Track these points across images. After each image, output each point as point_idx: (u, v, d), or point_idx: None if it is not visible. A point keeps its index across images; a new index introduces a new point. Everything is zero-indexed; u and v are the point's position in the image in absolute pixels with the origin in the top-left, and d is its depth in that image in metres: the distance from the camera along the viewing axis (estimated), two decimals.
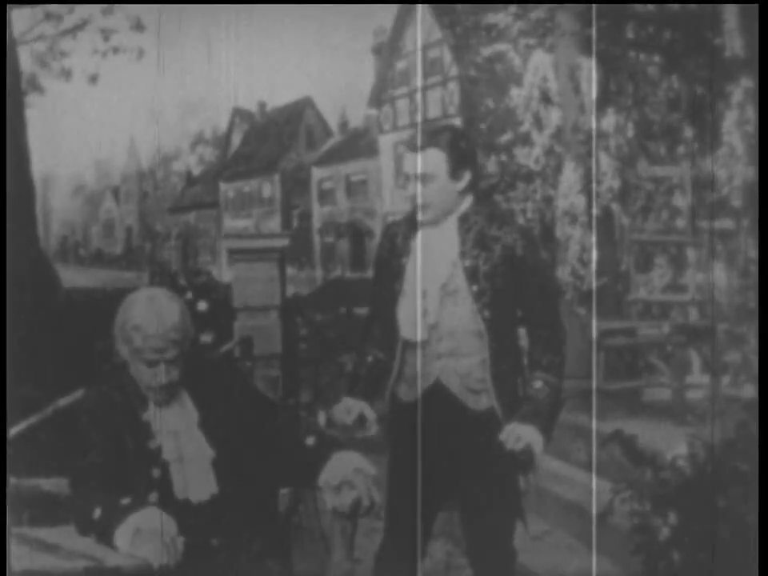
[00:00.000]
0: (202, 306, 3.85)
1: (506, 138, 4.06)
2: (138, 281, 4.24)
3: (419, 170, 2.42)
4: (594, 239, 3.85)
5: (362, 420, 2.47)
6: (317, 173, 4.67)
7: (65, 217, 4.36)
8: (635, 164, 3.98)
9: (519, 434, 2.33)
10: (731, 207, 3.72)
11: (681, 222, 3.97)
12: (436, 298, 2.44)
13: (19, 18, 3.61)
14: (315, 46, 3.60)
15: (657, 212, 4.02)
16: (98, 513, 1.97)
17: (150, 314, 2.09)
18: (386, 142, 4.37)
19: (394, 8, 3.96)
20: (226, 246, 4.28)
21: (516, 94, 4.03)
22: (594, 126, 3.82)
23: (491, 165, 4.05)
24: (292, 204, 4.69)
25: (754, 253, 3.55)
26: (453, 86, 4.15)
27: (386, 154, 4.38)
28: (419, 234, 2.50)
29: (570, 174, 3.90)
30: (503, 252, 2.41)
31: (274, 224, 4.66)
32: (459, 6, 4.09)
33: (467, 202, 2.44)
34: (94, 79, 3.75)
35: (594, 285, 3.83)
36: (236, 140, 4.66)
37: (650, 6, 3.88)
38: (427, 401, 2.45)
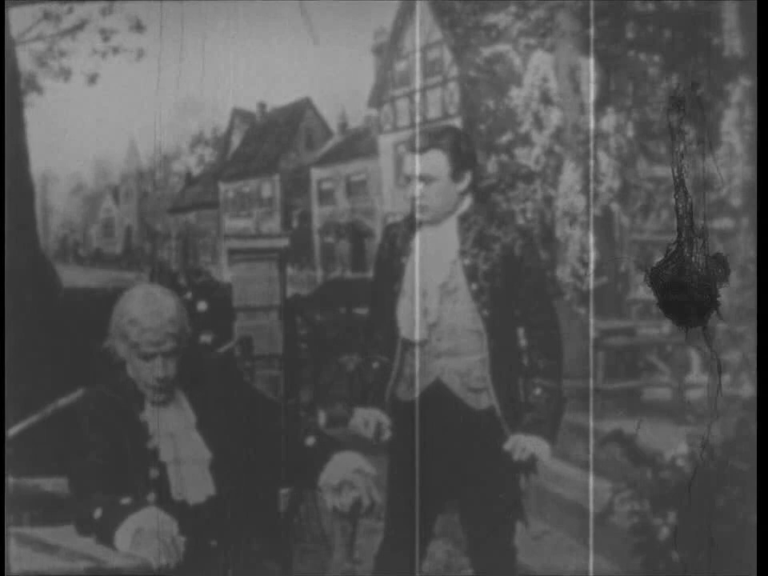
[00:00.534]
0: (202, 306, 3.84)
1: (505, 138, 4.06)
2: (137, 281, 4.24)
3: (418, 171, 2.43)
4: (591, 240, 3.85)
5: (380, 429, 2.47)
6: (316, 173, 4.67)
7: (64, 216, 4.36)
8: (635, 164, 3.98)
9: (525, 445, 2.34)
10: (730, 207, 3.72)
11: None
12: (436, 296, 2.45)
13: (18, 18, 3.61)
14: (315, 47, 3.60)
15: (657, 212, 4.03)
16: (98, 513, 1.97)
17: (146, 308, 2.10)
18: (385, 142, 4.37)
19: (394, 8, 3.96)
20: (225, 246, 4.28)
21: (516, 95, 4.02)
22: (592, 125, 3.82)
23: (491, 165, 4.05)
24: (292, 204, 4.68)
25: (752, 252, 3.55)
26: (453, 87, 4.15)
27: (385, 154, 4.38)
28: (418, 234, 2.50)
29: (570, 175, 3.90)
30: (502, 252, 2.42)
31: (274, 224, 4.66)
32: (459, 6, 4.09)
33: (467, 203, 2.45)
34: (93, 79, 3.74)
35: (591, 285, 3.83)
36: (236, 140, 4.65)
37: (650, 6, 3.88)
38: (427, 400, 2.45)
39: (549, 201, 4.01)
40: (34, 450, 2.93)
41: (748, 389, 3.42)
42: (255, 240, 4.28)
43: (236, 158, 4.70)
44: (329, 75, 3.74)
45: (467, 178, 2.45)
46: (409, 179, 2.46)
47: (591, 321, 3.57)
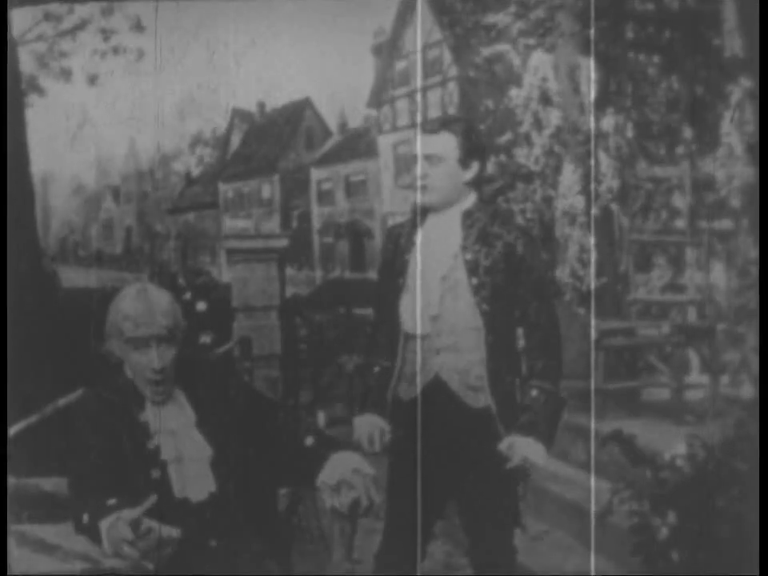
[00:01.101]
0: (201, 306, 3.85)
1: (505, 138, 4.06)
2: (137, 281, 4.24)
3: (421, 157, 2.43)
4: (592, 240, 3.85)
5: (382, 438, 2.47)
6: (316, 173, 4.67)
7: (64, 217, 4.36)
8: (634, 164, 3.98)
9: (518, 448, 2.33)
10: (730, 207, 3.72)
11: (680, 223, 3.97)
12: (437, 289, 2.44)
13: (19, 19, 3.61)
14: (315, 47, 3.60)
15: (656, 212, 4.02)
16: (86, 518, 1.97)
17: (140, 304, 2.11)
18: (385, 142, 4.37)
19: (393, 8, 3.96)
20: (225, 247, 4.28)
21: (515, 95, 4.02)
22: (592, 126, 3.82)
23: (491, 165, 4.05)
24: (291, 204, 4.69)
25: (753, 253, 3.55)
26: (452, 87, 4.15)
27: (385, 154, 4.38)
28: (421, 226, 2.50)
29: (570, 175, 3.90)
30: (504, 249, 2.42)
31: (274, 224, 4.66)
32: (459, 6, 4.09)
33: (471, 199, 2.45)
34: (93, 79, 3.75)
35: (592, 285, 3.83)
36: (235, 140, 4.65)
37: (650, 6, 3.88)
38: (426, 397, 2.45)
39: (548, 201, 4.01)
40: (34, 449, 2.93)
41: (748, 389, 3.41)
42: (254, 240, 4.28)
43: (236, 159, 4.70)
44: (329, 75, 3.74)
45: (474, 168, 2.45)
46: (416, 160, 2.47)
47: (593, 321, 3.57)
